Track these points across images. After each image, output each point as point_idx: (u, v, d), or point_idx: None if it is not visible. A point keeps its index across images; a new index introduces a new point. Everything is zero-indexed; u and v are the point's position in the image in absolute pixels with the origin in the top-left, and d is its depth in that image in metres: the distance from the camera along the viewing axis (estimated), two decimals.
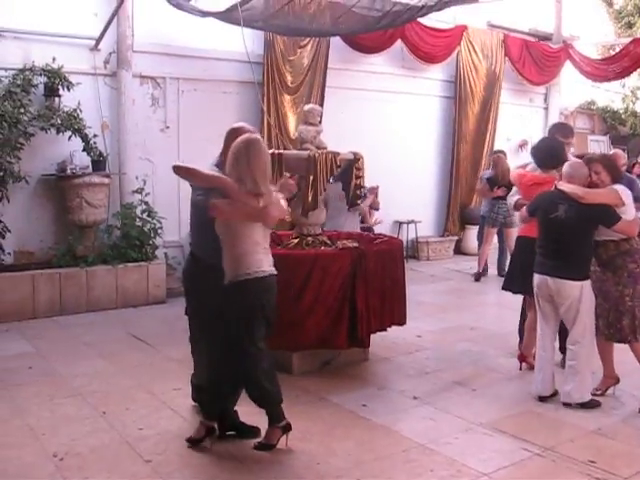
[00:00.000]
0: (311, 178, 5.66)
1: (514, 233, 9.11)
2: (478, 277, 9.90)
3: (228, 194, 3.88)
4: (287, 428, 4.08)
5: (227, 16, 7.40)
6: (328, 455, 4.03)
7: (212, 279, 4.00)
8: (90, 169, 8.04)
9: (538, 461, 4.03)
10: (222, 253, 3.96)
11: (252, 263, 3.91)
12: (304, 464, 3.93)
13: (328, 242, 5.92)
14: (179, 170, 4.15)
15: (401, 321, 5.86)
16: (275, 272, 4.07)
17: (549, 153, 5.47)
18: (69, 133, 7.83)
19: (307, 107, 6.32)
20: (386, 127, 10.93)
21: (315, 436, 4.30)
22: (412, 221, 11.27)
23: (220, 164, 4.26)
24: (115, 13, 8.01)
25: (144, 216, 8.30)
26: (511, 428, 4.48)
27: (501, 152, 10.22)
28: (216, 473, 3.84)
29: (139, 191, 8.32)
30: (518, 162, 8.75)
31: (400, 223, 11.25)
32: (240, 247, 3.91)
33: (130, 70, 8.49)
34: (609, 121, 15.37)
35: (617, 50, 13.23)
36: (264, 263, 3.97)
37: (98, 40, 8.25)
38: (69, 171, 7.88)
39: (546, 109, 14.10)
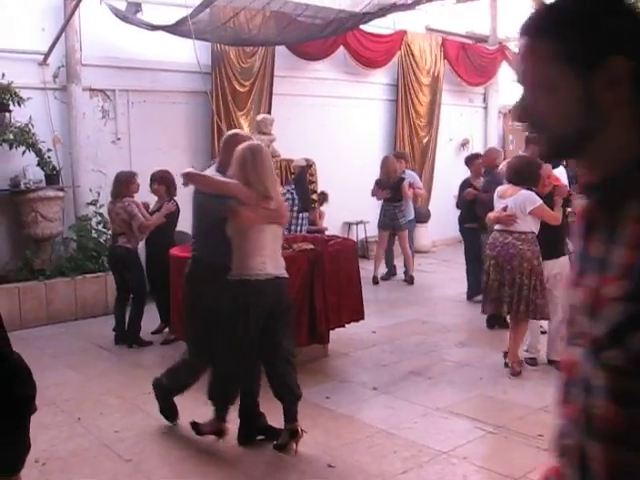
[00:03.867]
0: None
1: (406, 235, 9.52)
2: (376, 280, 9.69)
3: (245, 200, 4.00)
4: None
5: (176, 29, 7.60)
6: (299, 444, 4.28)
7: (220, 281, 4.08)
8: (44, 183, 8.11)
9: (491, 438, 4.38)
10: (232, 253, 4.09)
11: (255, 265, 4.02)
12: (277, 454, 4.17)
13: (285, 245, 6.17)
14: (192, 178, 4.26)
15: (358, 317, 6.16)
16: (283, 275, 4.16)
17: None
18: (22, 148, 7.88)
19: (259, 117, 6.58)
20: (332, 131, 11.22)
21: None
22: (361, 222, 11.59)
23: (220, 170, 4.37)
24: (63, 28, 8.11)
25: (99, 227, 8.42)
26: (465, 410, 4.83)
27: (398, 154, 10.40)
28: (193, 467, 4.06)
29: (93, 203, 8.43)
30: (460, 161, 9.16)
31: (349, 224, 11.56)
32: (246, 249, 4.04)
33: (80, 83, 8.58)
34: None
35: None
36: (267, 266, 4.05)
37: (47, 55, 8.33)
38: (23, 186, 7.93)
39: (485, 108, 14.60)
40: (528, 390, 5.26)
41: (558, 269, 5.62)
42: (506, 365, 5.71)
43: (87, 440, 4.47)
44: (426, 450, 4.19)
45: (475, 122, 14.24)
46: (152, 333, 7.04)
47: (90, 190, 8.51)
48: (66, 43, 8.43)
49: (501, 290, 5.49)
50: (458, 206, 8.46)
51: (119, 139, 9.14)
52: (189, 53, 7.73)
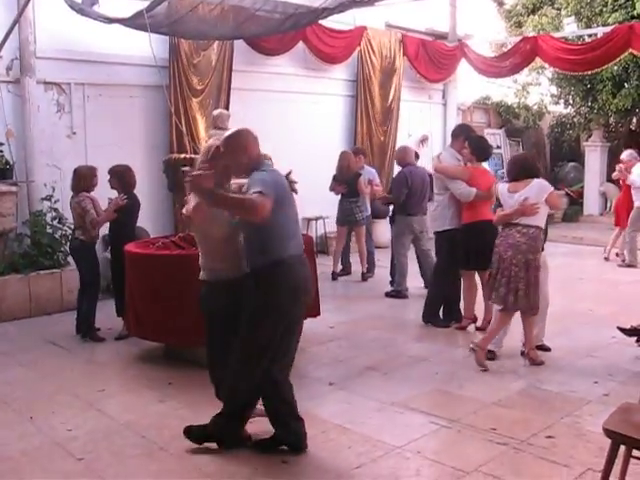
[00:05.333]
0: None
1: (363, 231, 9.58)
2: (335, 276, 9.78)
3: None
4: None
5: (133, 22, 7.50)
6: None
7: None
8: None
9: (445, 432, 4.43)
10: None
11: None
12: (230, 450, 4.15)
13: None
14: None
15: (315, 313, 6.17)
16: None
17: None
18: None
19: (216, 112, 6.55)
20: (291, 127, 11.19)
21: None
22: (320, 217, 11.59)
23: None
24: (17, 20, 7.92)
25: (54, 223, 8.29)
26: (420, 405, 4.87)
27: (357, 149, 10.43)
28: (146, 465, 4.03)
29: (48, 198, 8.29)
30: (420, 157, 9.20)
31: (309, 220, 11.56)
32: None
33: (34, 76, 8.42)
34: (504, 115, 16.14)
35: (509, 48, 13.94)
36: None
37: None
38: None
39: (444, 105, 14.72)
40: (483, 385, 5.32)
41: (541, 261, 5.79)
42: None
43: (39, 439, 4.41)
44: (380, 445, 4.21)
45: (434, 118, 14.33)
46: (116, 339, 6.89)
47: (45, 185, 8.37)
48: (20, 35, 8.26)
49: (500, 281, 5.63)
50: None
51: (75, 133, 9.00)
52: (146, 47, 7.63)
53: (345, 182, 9.50)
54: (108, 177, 6.90)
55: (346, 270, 10.10)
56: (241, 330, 4.00)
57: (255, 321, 3.94)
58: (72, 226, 7.30)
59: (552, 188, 5.81)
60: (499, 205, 5.98)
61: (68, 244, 7.55)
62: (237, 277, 4.08)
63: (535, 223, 5.64)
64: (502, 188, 5.92)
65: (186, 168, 6.88)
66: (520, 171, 5.82)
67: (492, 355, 5.88)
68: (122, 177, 6.86)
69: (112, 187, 6.95)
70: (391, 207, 8.77)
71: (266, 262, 3.94)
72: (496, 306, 5.87)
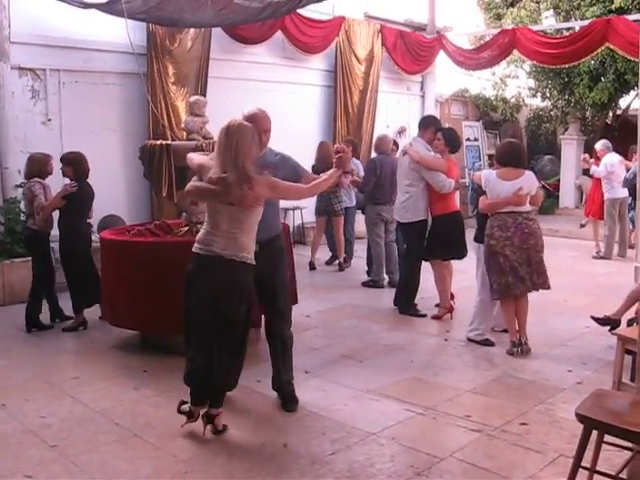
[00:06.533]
0: None
1: (341, 222, 9.58)
2: (313, 266, 9.84)
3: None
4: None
5: (109, 7, 7.43)
6: (230, 427, 4.26)
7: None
8: None
9: (420, 419, 4.44)
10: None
11: (202, 240, 4.16)
12: (204, 437, 4.14)
13: None
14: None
15: (291, 301, 6.13)
16: (232, 257, 4.07)
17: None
18: None
19: (193, 99, 6.50)
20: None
21: None
22: (297, 207, 11.57)
23: None
24: None
25: (26, 210, 8.17)
26: (395, 393, 4.88)
27: (347, 140, 10.24)
28: (120, 452, 4.00)
29: (22, 185, 8.16)
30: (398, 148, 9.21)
31: (286, 209, 11.51)
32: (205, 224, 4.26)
33: (8, 62, 8.30)
34: (482, 107, 16.21)
35: (487, 40, 13.99)
36: (214, 244, 4.12)
37: None
38: None
39: (423, 97, 14.75)
40: (458, 372, 5.36)
41: None
42: (515, 344, 5.76)
43: (11, 426, 4.35)
44: (355, 432, 4.22)
45: (412, 110, 14.36)
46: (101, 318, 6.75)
47: (19, 172, 8.21)
48: None
49: (522, 269, 5.64)
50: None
51: (50, 120, 8.91)
52: (123, 33, 7.55)
53: (324, 172, 9.44)
54: (60, 165, 6.79)
55: (334, 256, 10.10)
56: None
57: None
58: None
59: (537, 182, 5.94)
60: (482, 193, 5.92)
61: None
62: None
63: (529, 209, 5.79)
64: (489, 174, 5.90)
65: None
66: (514, 159, 5.84)
67: (490, 342, 5.99)
68: (75, 165, 6.71)
69: (65, 175, 6.81)
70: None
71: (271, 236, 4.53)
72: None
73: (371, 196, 8.37)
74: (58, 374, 5.38)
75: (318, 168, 9.48)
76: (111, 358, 5.89)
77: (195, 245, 4.15)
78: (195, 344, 4.19)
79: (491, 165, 8.77)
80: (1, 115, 8.31)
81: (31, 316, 6.74)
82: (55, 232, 6.90)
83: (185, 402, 4.28)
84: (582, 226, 12.61)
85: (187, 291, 4.16)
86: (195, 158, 4.45)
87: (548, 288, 5.83)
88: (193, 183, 4.21)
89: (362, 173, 10.01)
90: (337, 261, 9.91)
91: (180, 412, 4.26)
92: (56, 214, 6.81)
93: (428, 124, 7.13)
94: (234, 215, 4.06)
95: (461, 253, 6.79)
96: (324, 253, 10.15)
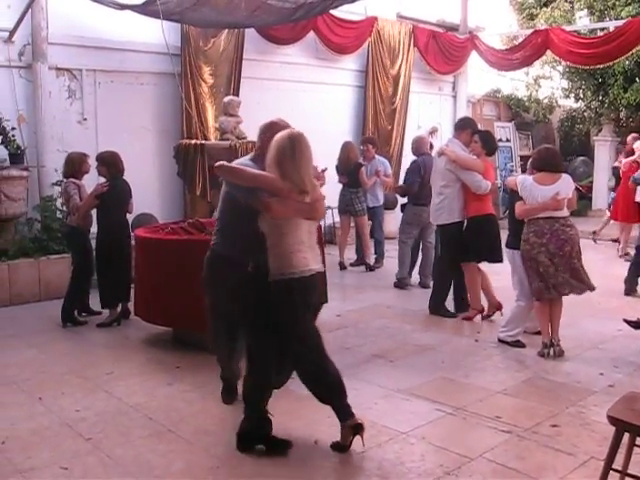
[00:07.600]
0: None
1: (363, 221, 9.56)
2: (342, 266, 9.78)
3: (276, 192, 3.79)
4: (357, 428, 3.97)
5: (145, 9, 7.53)
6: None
7: (235, 277, 4.12)
8: (7, 162, 8.02)
9: (450, 419, 4.45)
10: (266, 251, 3.88)
11: (298, 262, 3.85)
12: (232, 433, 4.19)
13: None
14: (222, 170, 4.06)
15: (323, 300, 6.18)
16: (322, 269, 4.08)
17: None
18: None
19: (227, 99, 6.57)
20: (300, 116, 11.00)
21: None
22: (329, 207, 11.57)
23: (256, 159, 4.26)
24: (29, 5, 8.00)
25: (64, 208, 8.31)
26: (426, 393, 4.89)
27: (367, 139, 10.43)
28: (154, 446, 4.07)
29: (58, 183, 8.32)
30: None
31: None
32: (286, 245, 3.85)
33: (46, 62, 8.48)
34: (514, 108, 16.11)
35: (520, 40, 13.89)
36: (310, 261, 3.92)
37: (12, 32, 8.21)
38: None
39: (454, 97, 14.70)
40: (489, 373, 5.35)
41: None
42: (546, 346, 5.74)
43: (48, 419, 4.46)
44: (385, 430, 4.24)
45: (444, 110, 14.33)
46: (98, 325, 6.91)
47: (55, 170, 8.40)
48: (32, 21, 8.34)
49: (558, 275, 5.60)
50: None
51: (85, 119, 9.07)
52: (158, 34, 7.66)
53: (346, 172, 9.47)
54: (96, 164, 6.91)
55: (360, 260, 9.98)
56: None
57: None
58: None
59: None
60: (519, 198, 5.81)
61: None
62: None
63: (567, 214, 5.74)
64: (525, 180, 5.81)
65: None
66: (551, 164, 5.79)
67: (521, 344, 5.98)
68: (109, 164, 6.82)
69: (100, 174, 6.94)
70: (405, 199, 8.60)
71: None
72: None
73: (414, 197, 8.30)
74: (93, 369, 5.48)
75: (340, 168, 9.57)
76: (144, 354, 5.99)
77: (287, 272, 3.83)
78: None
79: (523, 167, 8.71)
80: (38, 115, 8.48)
81: (67, 311, 6.87)
82: (95, 229, 7.04)
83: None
84: (594, 235, 11.80)
85: (302, 316, 3.96)
86: (247, 169, 4.07)
87: (592, 290, 5.77)
88: (282, 200, 3.81)
89: (389, 171, 10.07)
90: (363, 264, 9.78)
91: None
92: (94, 211, 6.94)
93: (464, 126, 7.11)
94: (311, 228, 4.03)
95: (494, 257, 6.68)
96: (353, 253, 10.15)
